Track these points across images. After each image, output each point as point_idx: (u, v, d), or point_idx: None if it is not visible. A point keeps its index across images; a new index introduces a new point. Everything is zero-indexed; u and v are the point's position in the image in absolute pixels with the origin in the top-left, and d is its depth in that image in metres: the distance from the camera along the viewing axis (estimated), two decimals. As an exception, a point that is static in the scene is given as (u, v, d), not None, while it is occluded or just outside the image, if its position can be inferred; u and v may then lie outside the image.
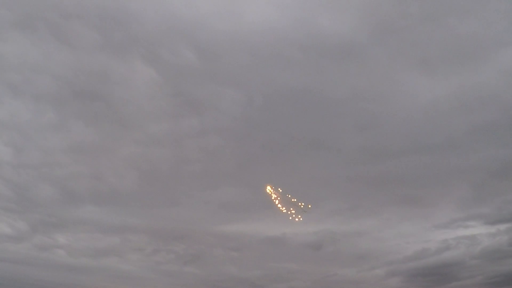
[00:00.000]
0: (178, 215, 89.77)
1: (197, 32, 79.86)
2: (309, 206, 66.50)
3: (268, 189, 62.98)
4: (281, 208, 65.37)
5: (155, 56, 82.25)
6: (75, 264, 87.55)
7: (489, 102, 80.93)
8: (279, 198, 64.43)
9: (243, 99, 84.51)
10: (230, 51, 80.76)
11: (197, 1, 79.12)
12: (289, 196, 64.85)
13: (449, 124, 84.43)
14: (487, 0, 77.84)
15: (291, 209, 66.58)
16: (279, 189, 64.88)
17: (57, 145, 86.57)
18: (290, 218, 65.60)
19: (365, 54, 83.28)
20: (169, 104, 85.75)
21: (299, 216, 65.64)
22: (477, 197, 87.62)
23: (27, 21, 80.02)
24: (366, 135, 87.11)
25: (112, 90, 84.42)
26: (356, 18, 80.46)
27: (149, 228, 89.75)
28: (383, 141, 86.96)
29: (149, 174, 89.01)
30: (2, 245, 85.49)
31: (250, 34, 79.35)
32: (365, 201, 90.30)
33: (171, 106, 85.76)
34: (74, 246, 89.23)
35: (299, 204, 65.78)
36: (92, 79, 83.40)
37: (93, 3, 79.48)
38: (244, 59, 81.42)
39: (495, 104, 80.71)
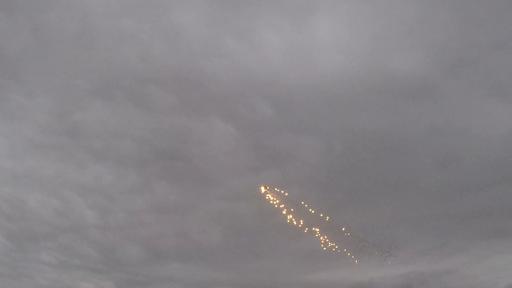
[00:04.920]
0: (264, 267, 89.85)
1: (271, 86, 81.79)
2: (395, 256, 65.65)
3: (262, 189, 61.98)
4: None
5: (232, 113, 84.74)
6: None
7: None
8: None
9: (322, 147, 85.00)
10: (305, 101, 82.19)
11: (269, 55, 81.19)
12: (374, 241, 64.11)
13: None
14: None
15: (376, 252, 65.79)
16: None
17: (141, 206, 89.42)
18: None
19: (439, 89, 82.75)
20: (249, 158, 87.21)
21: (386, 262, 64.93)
22: None
23: (105, 89, 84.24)
24: (447, 170, 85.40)
25: (192, 148, 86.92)
26: (426, 56, 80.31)
27: (235, 281, 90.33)
28: (465, 174, 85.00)
29: (234, 228, 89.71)
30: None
31: (323, 82, 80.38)
32: (452, 238, 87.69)
33: (252, 159, 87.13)
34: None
35: (387, 250, 64.89)
36: (172, 139, 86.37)
37: (168, 67, 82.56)
38: (320, 108, 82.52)
39: None
